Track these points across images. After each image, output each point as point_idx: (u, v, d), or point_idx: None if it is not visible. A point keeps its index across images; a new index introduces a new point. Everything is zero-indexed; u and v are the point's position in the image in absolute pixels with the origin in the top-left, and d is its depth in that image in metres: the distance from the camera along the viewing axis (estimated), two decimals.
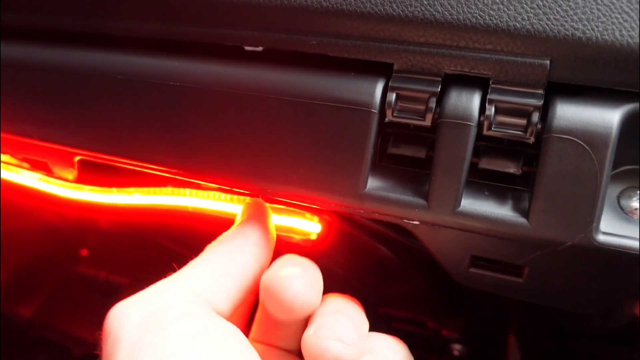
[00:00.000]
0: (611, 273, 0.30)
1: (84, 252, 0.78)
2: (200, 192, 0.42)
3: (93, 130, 0.39)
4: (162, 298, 0.33)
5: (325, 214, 0.43)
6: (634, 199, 0.30)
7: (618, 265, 0.29)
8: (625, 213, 0.30)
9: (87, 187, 0.45)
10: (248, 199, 0.40)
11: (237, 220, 0.37)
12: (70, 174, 0.45)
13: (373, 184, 0.31)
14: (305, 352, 0.32)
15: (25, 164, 0.48)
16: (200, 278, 0.34)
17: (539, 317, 0.62)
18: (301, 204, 0.34)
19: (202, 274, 0.35)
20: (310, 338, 0.32)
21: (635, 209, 0.30)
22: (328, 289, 0.51)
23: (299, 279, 0.34)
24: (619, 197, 0.30)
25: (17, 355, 0.86)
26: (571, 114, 0.27)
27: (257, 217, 0.37)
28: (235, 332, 0.32)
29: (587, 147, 0.27)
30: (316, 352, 0.31)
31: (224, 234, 0.37)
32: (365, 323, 0.36)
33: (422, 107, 0.30)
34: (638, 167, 0.31)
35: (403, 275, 0.47)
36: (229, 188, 0.36)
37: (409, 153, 0.31)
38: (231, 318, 0.34)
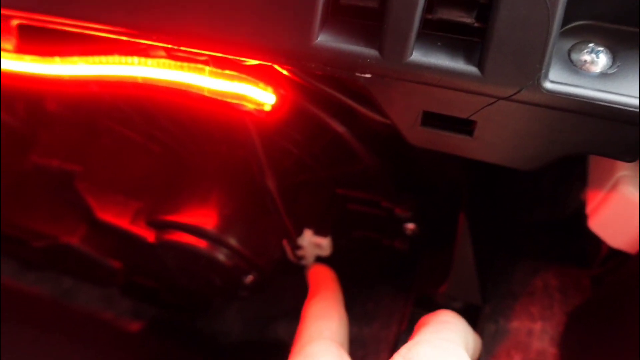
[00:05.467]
0: (557, 126, 0.31)
1: (35, 145, 0.75)
2: (148, 60, 0.40)
3: None
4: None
5: (280, 87, 0.43)
6: (584, 51, 0.30)
7: (564, 118, 0.30)
8: (575, 66, 0.30)
9: (28, 57, 0.43)
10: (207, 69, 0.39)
11: (314, 282, 0.49)
12: (9, 43, 0.43)
13: (325, 35, 0.30)
14: None
15: None
16: (333, 333, 0.40)
17: (487, 208, 0.64)
18: (251, 61, 0.33)
19: (332, 326, 0.41)
20: None
21: (585, 61, 0.30)
22: (283, 169, 0.51)
23: None
24: (569, 51, 0.30)
25: None
26: None
27: (328, 278, 0.48)
28: None
29: None
30: None
31: (314, 301, 0.44)
32: None
33: None
34: (589, 22, 0.31)
35: (358, 153, 0.47)
36: (177, 47, 0.35)
37: (361, 3, 0.30)
38: None
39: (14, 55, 0.43)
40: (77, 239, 0.72)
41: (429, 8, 0.30)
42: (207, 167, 0.53)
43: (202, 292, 0.61)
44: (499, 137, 0.32)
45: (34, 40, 0.43)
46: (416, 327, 0.37)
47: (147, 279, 0.71)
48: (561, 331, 0.52)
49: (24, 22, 0.39)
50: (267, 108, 0.41)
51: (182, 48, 0.34)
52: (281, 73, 0.39)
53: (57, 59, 0.42)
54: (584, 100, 0.28)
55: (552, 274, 0.59)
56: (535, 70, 0.28)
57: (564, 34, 0.31)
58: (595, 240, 0.53)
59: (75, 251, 0.71)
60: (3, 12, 0.39)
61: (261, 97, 0.40)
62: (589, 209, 0.47)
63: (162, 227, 0.52)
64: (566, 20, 0.29)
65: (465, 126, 0.32)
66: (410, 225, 0.53)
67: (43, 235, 0.73)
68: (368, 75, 0.31)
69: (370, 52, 0.30)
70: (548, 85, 0.28)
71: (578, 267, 0.60)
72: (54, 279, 0.89)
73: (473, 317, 0.54)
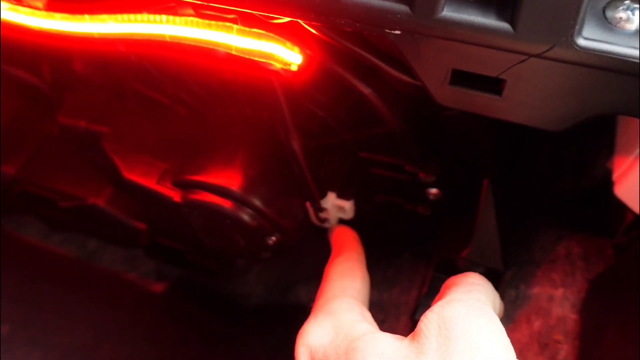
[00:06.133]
0: (589, 85, 0.30)
1: (62, 106, 0.76)
2: (177, 18, 0.41)
3: None
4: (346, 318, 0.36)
5: (307, 47, 0.42)
6: (620, 8, 0.29)
7: (597, 76, 0.30)
8: (609, 23, 0.29)
9: (58, 15, 0.43)
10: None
11: (337, 242, 0.48)
12: (40, 1, 0.43)
13: None
14: None
15: None
16: (356, 292, 0.40)
17: (512, 177, 0.64)
18: (280, 17, 0.33)
19: (355, 285, 0.41)
20: None
21: (620, 19, 0.29)
22: (308, 131, 0.51)
23: None
24: (604, 9, 0.30)
25: (5, 212, 0.88)
26: None
27: (351, 239, 0.48)
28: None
29: None
30: None
31: (338, 260, 0.44)
32: None
33: None
34: None
35: (383, 115, 0.47)
36: (205, 4, 0.35)
37: None
38: None
39: (45, 13, 0.43)
40: (103, 200, 0.73)
41: None
42: (233, 128, 0.54)
43: (226, 252, 0.62)
44: (528, 97, 0.32)
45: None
46: (444, 287, 0.38)
47: (171, 240, 0.72)
48: (582, 298, 0.52)
49: None
50: (294, 68, 0.41)
51: (210, 4, 0.34)
52: (308, 33, 0.39)
53: (86, 17, 0.42)
54: (618, 57, 0.28)
55: (575, 241, 0.59)
56: (569, 27, 0.27)
57: None
58: (619, 209, 0.52)
59: (102, 212, 0.73)
60: None
61: (288, 56, 0.40)
62: (615, 175, 0.47)
63: (188, 187, 0.52)
64: None
65: (494, 85, 0.32)
66: (434, 190, 0.53)
67: (70, 196, 0.75)
68: (398, 32, 0.30)
69: (401, 7, 0.29)
70: (581, 42, 0.28)
71: (601, 235, 0.60)
72: (79, 241, 0.91)
73: (494, 283, 0.54)
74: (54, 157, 0.80)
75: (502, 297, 0.55)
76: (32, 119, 0.82)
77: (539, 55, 0.29)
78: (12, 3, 0.45)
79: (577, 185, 0.66)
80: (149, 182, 0.56)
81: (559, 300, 0.52)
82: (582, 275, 0.54)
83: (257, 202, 0.50)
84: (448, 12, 0.29)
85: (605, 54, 0.28)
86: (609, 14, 0.29)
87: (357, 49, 0.37)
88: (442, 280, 0.56)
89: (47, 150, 0.80)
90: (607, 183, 0.52)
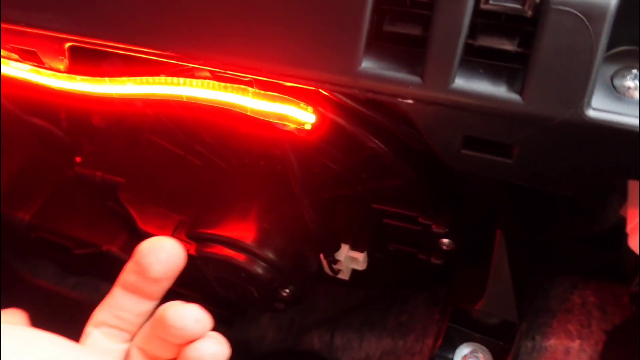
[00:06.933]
0: (599, 151, 0.31)
1: (79, 158, 0.78)
2: (194, 80, 0.42)
3: (82, 13, 0.38)
4: None
5: (320, 105, 0.43)
6: (627, 77, 0.30)
7: (606, 143, 0.30)
8: (617, 92, 0.30)
9: (79, 77, 0.45)
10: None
11: None
12: (61, 64, 0.44)
13: (368, 61, 0.31)
14: None
15: (13, 55, 0.47)
16: None
17: (525, 220, 0.63)
18: (295, 85, 0.34)
19: None
20: None
21: (628, 88, 0.30)
22: (321, 184, 0.52)
23: None
24: (612, 77, 0.30)
25: (20, 256, 0.88)
26: None
27: None
28: None
29: (585, 19, 0.27)
30: None
31: None
32: None
33: None
34: (633, 47, 0.31)
35: (396, 169, 0.48)
36: (222, 71, 0.36)
37: (405, 30, 0.31)
38: None
39: (66, 76, 0.45)
40: (117, 247, 0.73)
41: (471, 34, 0.30)
42: (247, 180, 0.55)
43: (240, 302, 0.62)
44: (538, 161, 0.32)
45: (83, 61, 0.45)
46: None
47: (184, 288, 0.73)
48: (600, 350, 0.51)
49: (76, 44, 0.41)
50: (308, 127, 0.42)
51: (227, 74, 0.35)
52: (322, 94, 0.40)
53: (106, 79, 0.44)
54: (626, 128, 0.28)
55: (591, 290, 0.58)
56: (578, 99, 0.28)
57: (607, 59, 0.31)
58: (634, 256, 0.52)
59: (116, 259, 0.73)
60: (57, 35, 0.41)
61: (302, 116, 0.41)
62: (628, 228, 0.47)
63: (202, 240, 0.53)
64: (609, 45, 0.29)
65: (505, 150, 0.33)
66: (447, 241, 0.53)
67: (85, 242, 0.75)
68: (410, 101, 0.31)
69: (413, 79, 0.30)
70: (590, 113, 0.28)
71: (617, 282, 0.59)
72: (92, 285, 0.91)
73: (509, 334, 0.54)
74: (69, 202, 0.81)
75: (518, 348, 0.54)
76: (46, 165, 0.83)
77: (548, 126, 0.29)
78: (34, 65, 0.47)
79: (591, 229, 0.66)
80: (165, 234, 0.56)
81: (575, 353, 0.52)
82: (599, 326, 0.53)
83: (271, 255, 0.51)
84: (459, 84, 0.30)
85: (613, 125, 0.28)
86: (616, 82, 0.30)
87: (370, 112, 0.38)
88: (457, 331, 0.55)
89: (62, 196, 0.81)
90: (621, 226, 0.52)
